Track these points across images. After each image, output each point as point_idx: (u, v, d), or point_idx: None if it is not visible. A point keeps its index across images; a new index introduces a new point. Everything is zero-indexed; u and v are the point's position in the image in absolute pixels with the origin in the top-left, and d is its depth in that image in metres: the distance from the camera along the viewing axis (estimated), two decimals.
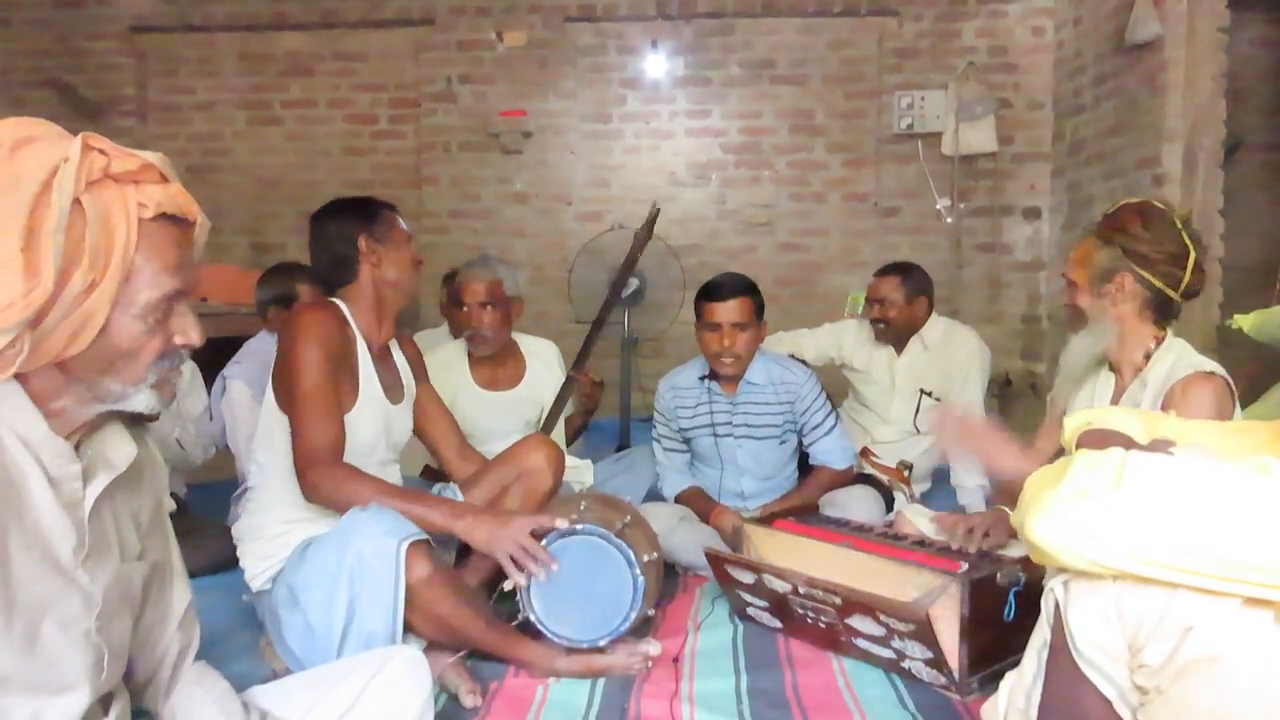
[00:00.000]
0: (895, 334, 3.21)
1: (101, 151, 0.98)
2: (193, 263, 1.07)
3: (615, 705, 1.75)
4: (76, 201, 0.95)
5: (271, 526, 1.94)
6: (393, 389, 2.07)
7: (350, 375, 1.96)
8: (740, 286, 2.59)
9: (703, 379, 2.72)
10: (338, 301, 2.00)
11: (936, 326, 3.24)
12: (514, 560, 1.80)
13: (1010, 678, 1.22)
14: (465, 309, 2.71)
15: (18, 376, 0.99)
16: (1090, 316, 1.92)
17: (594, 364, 3.25)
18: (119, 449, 1.10)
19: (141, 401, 1.04)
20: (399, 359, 2.15)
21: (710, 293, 2.59)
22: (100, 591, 1.07)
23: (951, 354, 3.16)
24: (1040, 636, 1.17)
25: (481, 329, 2.71)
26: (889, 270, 3.23)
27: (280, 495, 1.94)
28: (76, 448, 1.05)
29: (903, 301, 3.15)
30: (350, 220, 2.01)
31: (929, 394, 3.18)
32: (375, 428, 2.00)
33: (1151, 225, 1.85)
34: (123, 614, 1.13)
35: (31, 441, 1.00)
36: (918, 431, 3.21)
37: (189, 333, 1.06)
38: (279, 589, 1.85)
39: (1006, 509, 2.05)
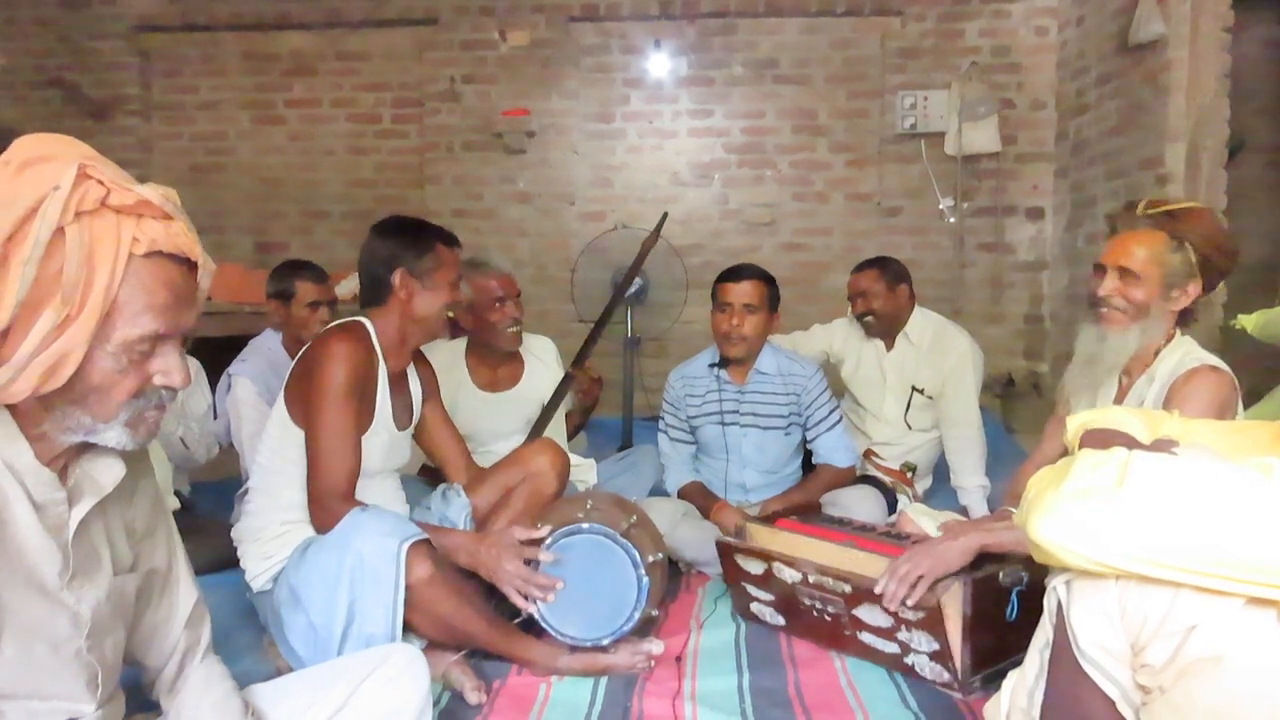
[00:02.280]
0: (884, 325, 3.21)
1: (100, 182, 0.94)
2: (188, 304, 1.02)
3: (618, 703, 1.76)
4: (60, 231, 0.91)
5: (271, 528, 1.94)
6: (402, 415, 2.07)
7: (369, 401, 1.96)
8: (754, 271, 2.70)
9: (712, 367, 2.77)
10: (364, 321, 1.99)
11: (925, 324, 3.23)
12: (521, 590, 1.86)
13: (1013, 677, 1.22)
14: (502, 304, 2.67)
15: (7, 405, 0.97)
16: (1151, 315, 1.88)
17: (596, 363, 3.25)
18: (107, 470, 1.08)
19: (113, 438, 1.01)
20: (414, 382, 2.15)
21: (725, 275, 2.70)
22: (89, 611, 1.06)
23: (943, 355, 3.16)
24: (1043, 636, 1.17)
25: (520, 320, 2.72)
26: (865, 265, 3.26)
27: (281, 497, 1.95)
28: (65, 469, 1.04)
29: (885, 291, 3.17)
30: (395, 247, 2.00)
31: (920, 391, 3.19)
32: (381, 453, 2.01)
33: (1224, 236, 1.86)
34: (116, 628, 1.13)
35: (17, 468, 0.99)
36: (909, 428, 3.22)
37: (172, 375, 1.02)
38: (280, 589, 1.86)
39: (1012, 509, 2.05)
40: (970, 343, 3.21)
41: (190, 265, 1.02)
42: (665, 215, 3.93)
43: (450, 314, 2.06)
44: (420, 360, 2.20)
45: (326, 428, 1.85)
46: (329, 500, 1.83)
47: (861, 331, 3.30)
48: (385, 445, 2.02)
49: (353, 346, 1.89)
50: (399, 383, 2.07)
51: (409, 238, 2.01)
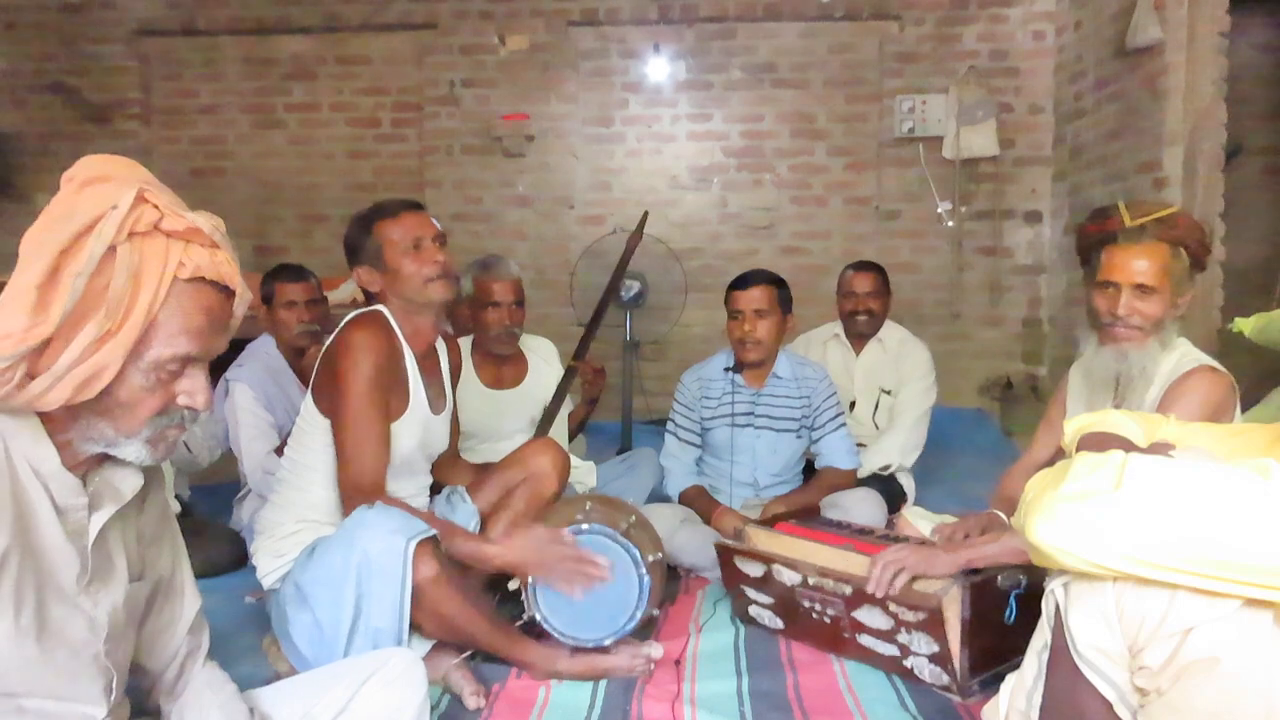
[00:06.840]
0: (875, 325, 3.30)
1: (155, 206, 0.98)
2: (221, 330, 1.06)
3: (617, 707, 1.76)
4: (112, 249, 0.95)
5: (286, 524, 1.95)
6: (436, 399, 2.07)
7: (399, 385, 1.96)
8: (764, 276, 2.74)
9: (727, 370, 2.79)
10: (381, 308, 1.99)
11: (894, 330, 3.36)
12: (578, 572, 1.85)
13: (1011, 680, 1.23)
14: (496, 308, 2.72)
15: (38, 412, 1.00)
16: (1165, 325, 1.87)
17: (594, 361, 3.26)
18: (127, 479, 1.10)
19: (132, 452, 1.04)
20: (445, 365, 2.15)
21: (735, 282, 2.74)
22: (106, 615, 1.08)
23: (906, 358, 3.29)
24: (1041, 638, 1.18)
25: (514, 326, 2.76)
26: (865, 266, 3.35)
27: (304, 492, 1.96)
28: (85, 476, 1.06)
29: (885, 292, 3.30)
30: (348, 246, 2.03)
31: (888, 393, 3.29)
32: (415, 439, 2.00)
33: (1206, 234, 1.89)
34: (129, 635, 1.15)
35: (43, 472, 1.01)
36: (877, 429, 3.30)
37: (196, 396, 1.05)
38: (287, 587, 1.86)
39: (999, 513, 2.04)
40: (927, 352, 3.31)
41: (228, 293, 1.07)
42: (646, 214, 3.94)
43: (438, 277, 1.96)
44: (451, 346, 2.21)
45: (351, 418, 1.84)
46: (357, 495, 1.83)
47: (833, 334, 3.38)
48: (420, 429, 2.01)
49: (372, 334, 1.89)
50: (428, 365, 2.07)
51: (352, 231, 2.04)
